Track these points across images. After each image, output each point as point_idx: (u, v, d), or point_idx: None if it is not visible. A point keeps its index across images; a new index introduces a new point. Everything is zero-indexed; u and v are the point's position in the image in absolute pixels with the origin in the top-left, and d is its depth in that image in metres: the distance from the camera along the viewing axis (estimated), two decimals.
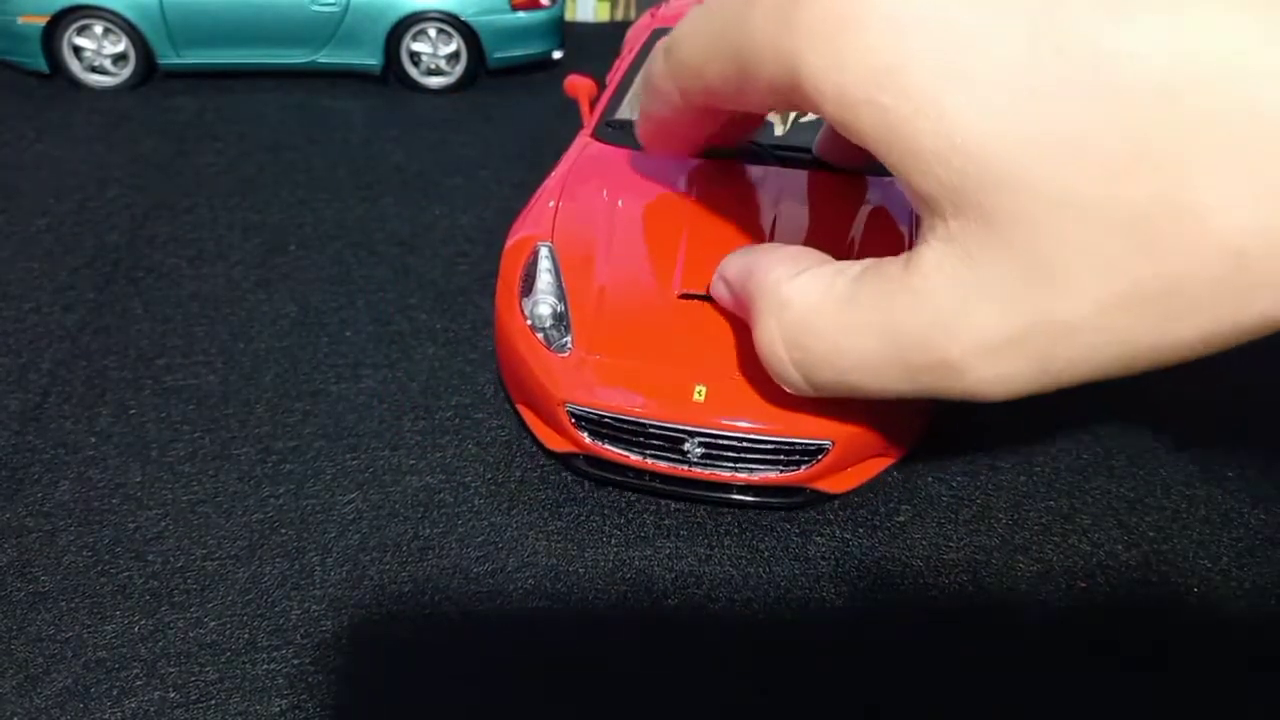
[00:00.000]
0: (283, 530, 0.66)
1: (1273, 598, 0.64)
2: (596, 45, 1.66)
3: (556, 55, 1.58)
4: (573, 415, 0.65)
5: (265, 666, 0.57)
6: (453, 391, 0.81)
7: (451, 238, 1.05)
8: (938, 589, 0.64)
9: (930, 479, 0.73)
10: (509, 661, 0.58)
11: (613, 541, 0.66)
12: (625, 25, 1.46)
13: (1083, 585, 0.65)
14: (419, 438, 0.75)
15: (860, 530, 0.68)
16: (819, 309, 0.46)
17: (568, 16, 1.76)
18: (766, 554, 0.66)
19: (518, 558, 0.65)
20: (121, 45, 1.40)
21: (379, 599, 0.61)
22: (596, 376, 0.64)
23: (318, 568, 0.63)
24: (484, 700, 0.55)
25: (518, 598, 0.62)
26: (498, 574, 0.63)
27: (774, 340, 0.49)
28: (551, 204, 0.75)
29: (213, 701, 0.54)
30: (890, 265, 0.44)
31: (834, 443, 0.63)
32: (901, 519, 0.69)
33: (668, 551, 0.66)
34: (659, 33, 0.96)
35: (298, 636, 0.59)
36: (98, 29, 1.39)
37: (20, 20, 1.37)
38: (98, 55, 1.41)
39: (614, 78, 0.95)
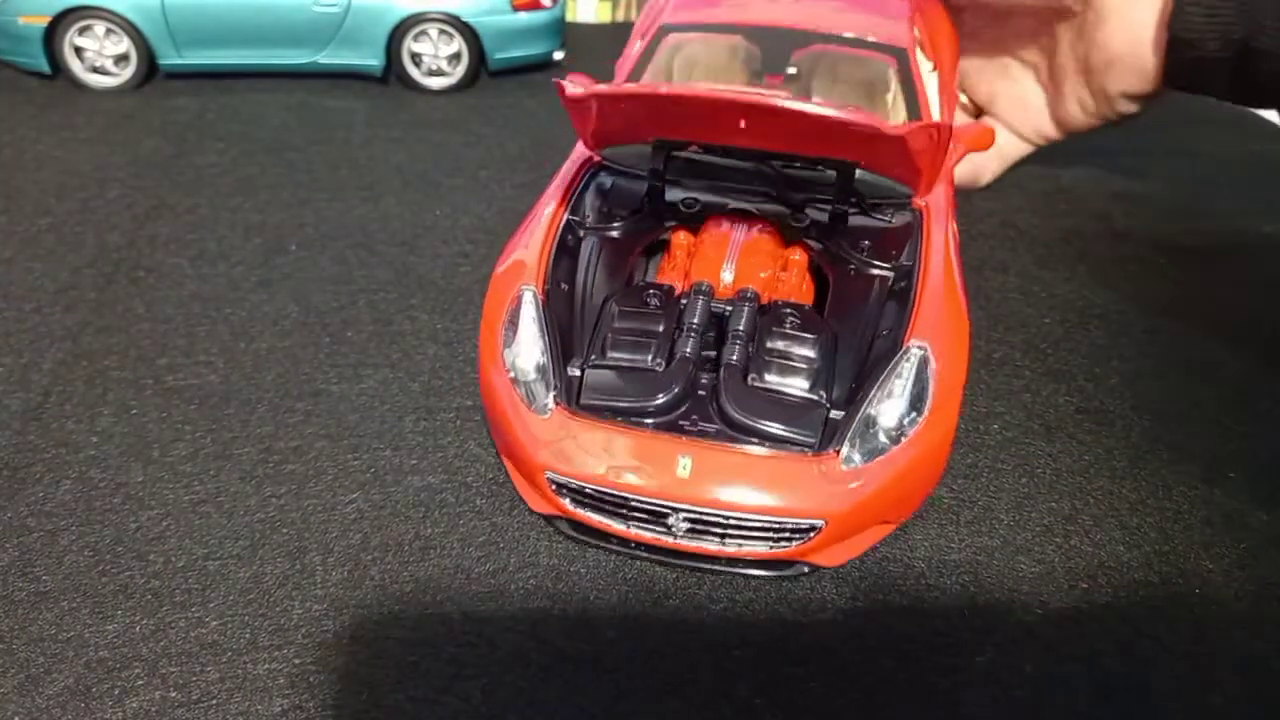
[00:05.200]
0: (284, 530, 0.66)
1: (1274, 599, 0.64)
2: (597, 46, 1.66)
3: (557, 56, 1.58)
4: (553, 483, 0.63)
5: (266, 666, 0.57)
6: (454, 392, 0.81)
7: (453, 238, 1.05)
8: (939, 590, 0.64)
9: None
10: (510, 661, 0.58)
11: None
12: (626, 26, 1.46)
13: (1084, 586, 0.65)
14: (420, 438, 0.75)
15: None
16: None
17: (568, 17, 1.76)
18: None
19: (519, 558, 0.65)
20: (123, 46, 1.41)
21: (380, 599, 0.61)
22: (577, 445, 0.61)
23: (319, 567, 0.63)
24: (485, 700, 0.55)
25: (519, 598, 0.62)
26: (499, 574, 0.63)
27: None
28: (548, 211, 0.75)
29: (214, 701, 0.54)
30: None
31: (827, 522, 0.59)
32: None
33: None
34: (666, 29, 0.94)
35: (299, 636, 0.59)
36: (99, 29, 1.39)
37: (21, 21, 1.37)
38: (99, 56, 1.41)
39: (624, 65, 0.93)
